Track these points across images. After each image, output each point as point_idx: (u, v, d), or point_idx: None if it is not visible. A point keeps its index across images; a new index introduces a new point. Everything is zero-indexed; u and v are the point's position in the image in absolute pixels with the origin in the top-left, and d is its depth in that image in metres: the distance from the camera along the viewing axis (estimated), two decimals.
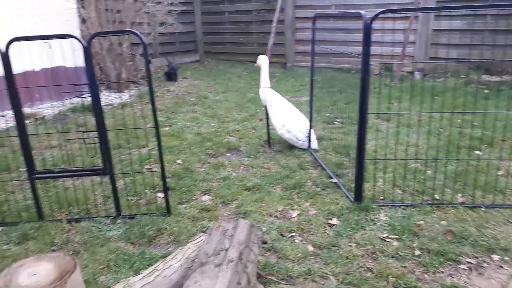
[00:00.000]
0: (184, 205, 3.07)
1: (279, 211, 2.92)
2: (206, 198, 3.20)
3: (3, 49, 2.58)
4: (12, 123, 5.46)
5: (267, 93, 4.04)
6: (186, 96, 6.88)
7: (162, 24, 7.53)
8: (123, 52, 7.06)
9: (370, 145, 3.99)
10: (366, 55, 2.69)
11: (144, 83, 7.43)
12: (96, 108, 2.70)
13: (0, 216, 2.99)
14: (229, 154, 4.15)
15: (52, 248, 2.60)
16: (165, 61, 8.50)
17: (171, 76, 8.01)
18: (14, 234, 2.75)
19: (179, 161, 3.92)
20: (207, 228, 2.66)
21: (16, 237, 2.72)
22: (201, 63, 10.62)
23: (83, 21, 6.78)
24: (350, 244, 2.51)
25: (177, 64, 8.44)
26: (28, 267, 1.81)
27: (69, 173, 2.90)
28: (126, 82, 7.20)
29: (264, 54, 8.59)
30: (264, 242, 2.23)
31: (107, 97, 6.76)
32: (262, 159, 3.92)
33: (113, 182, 2.85)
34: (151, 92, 2.74)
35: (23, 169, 3.93)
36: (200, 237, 2.22)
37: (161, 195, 3.25)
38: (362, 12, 2.73)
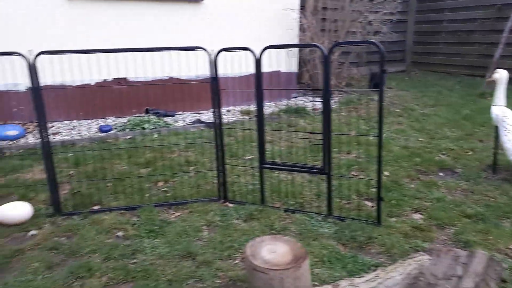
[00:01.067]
0: (394, 219, 3.01)
1: (511, 248, 2.56)
2: (417, 216, 3.06)
3: (257, 55, 3.04)
4: (236, 117, 6.40)
5: (502, 112, 3.57)
6: (390, 107, 6.70)
7: (376, 33, 7.53)
8: (333, 60, 7.37)
9: None
10: None
11: (347, 90, 7.60)
12: (325, 112, 2.90)
13: (231, 194, 3.54)
14: (442, 174, 3.86)
15: (272, 231, 2.94)
16: (369, 70, 8.47)
17: (377, 85, 7.93)
18: (242, 212, 3.22)
19: (386, 173, 3.86)
20: (422, 248, 2.54)
21: (244, 215, 3.18)
22: (407, 73, 10.16)
23: (301, 29, 7.37)
24: None
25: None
26: (267, 244, 2.09)
27: (293, 168, 3.20)
28: (336, 89, 7.48)
29: (487, 67, 7.65)
30: (503, 280, 1.99)
31: (313, 103, 7.19)
32: (485, 185, 3.50)
33: (329, 182, 3.02)
34: (381, 101, 2.77)
35: (248, 157, 4.58)
36: (420, 255, 2.14)
37: (369, 203, 3.27)
38: None
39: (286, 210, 3.21)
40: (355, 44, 6.83)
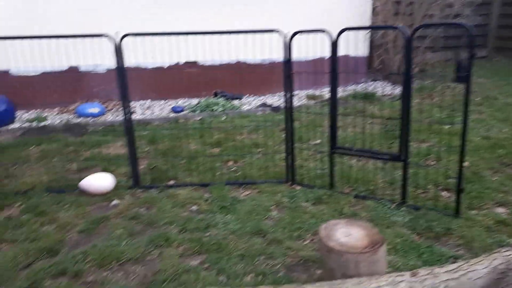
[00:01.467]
0: (474, 211, 2.84)
1: None
2: (501, 210, 2.86)
3: (334, 38, 2.98)
4: (302, 102, 6.36)
5: None
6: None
7: (456, 16, 7.02)
8: None
9: None
10: None
11: (420, 77, 7.20)
12: (405, 97, 2.78)
13: (299, 177, 3.55)
14: None
15: (341, 216, 2.91)
16: (454, 55, 7.94)
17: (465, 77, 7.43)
18: (310, 196, 3.22)
19: (466, 164, 3.63)
20: (508, 243, 2.38)
21: (312, 198, 3.18)
22: (488, 59, 9.40)
23: (373, 13, 7.07)
24: None
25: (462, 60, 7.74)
26: (342, 227, 2.08)
27: (366, 154, 3.13)
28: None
29: None
30: None
31: (383, 88, 6.92)
32: None
33: (405, 170, 2.91)
34: (468, 89, 2.59)
35: (314, 142, 4.55)
36: (508, 250, 2.00)
37: (446, 193, 3.11)
38: None
39: (356, 196, 3.15)
40: (440, 27, 6.42)
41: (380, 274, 1.87)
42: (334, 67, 3.01)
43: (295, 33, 3.09)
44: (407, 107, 2.78)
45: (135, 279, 2.30)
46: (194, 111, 5.86)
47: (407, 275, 1.82)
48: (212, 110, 5.84)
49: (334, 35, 2.97)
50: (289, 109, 3.30)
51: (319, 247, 2.09)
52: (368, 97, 6.15)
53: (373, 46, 7.39)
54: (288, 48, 3.14)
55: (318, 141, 4.54)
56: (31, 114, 5.73)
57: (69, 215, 3.00)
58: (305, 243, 2.62)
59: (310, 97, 6.62)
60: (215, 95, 6.47)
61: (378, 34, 7.06)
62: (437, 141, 4.23)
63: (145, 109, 6.04)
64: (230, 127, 5.07)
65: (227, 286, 2.22)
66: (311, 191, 3.29)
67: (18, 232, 2.79)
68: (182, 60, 6.38)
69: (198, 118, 5.62)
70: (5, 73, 5.72)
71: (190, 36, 5.48)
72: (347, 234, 2.02)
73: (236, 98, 6.44)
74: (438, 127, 4.61)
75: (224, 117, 5.64)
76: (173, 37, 5.28)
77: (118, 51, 3.13)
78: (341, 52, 3.06)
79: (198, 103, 6.05)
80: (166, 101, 6.43)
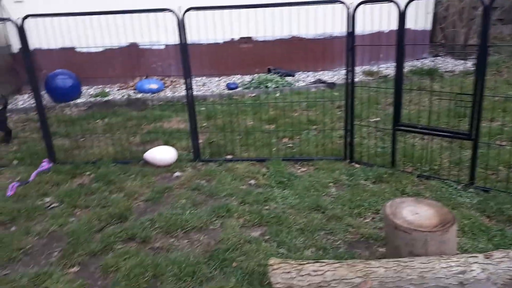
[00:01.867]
0: None
1: None
2: None
3: (402, 8, 2.83)
4: (358, 78, 6.16)
5: None
6: None
7: None
8: (475, 16, 6.52)
9: None
10: None
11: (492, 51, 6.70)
12: (479, 71, 2.60)
13: (357, 155, 3.48)
14: None
15: (403, 196, 2.82)
16: None
17: None
18: (370, 174, 3.15)
19: None
20: None
21: (372, 176, 3.11)
22: None
23: None
24: None
25: None
26: (408, 205, 2.02)
27: (433, 132, 2.99)
28: (471, 49, 6.68)
29: None
30: None
31: (448, 64, 6.53)
32: None
33: (475, 149, 2.76)
34: None
35: (373, 119, 4.42)
36: None
37: None
38: None
39: (419, 176, 3.04)
40: None
41: (450, 255, 1.81)
42: (400, 40, 2.87)
43: (360, 3, 2.97)
44: (481, 83, 2.60)
45: (199, 247, 2.39)
46: (248, 87, 5.89)
47: (480, 256, 1.74)
48: (266, 86, 5.83)
49: (402, 5, 2.82)
50: (350, 84, 3.21)
51: (384, 225, 2.05)
52: (431, 73, 5.84)
53: (436, 19, 6.96)
54: (352, 19, 3.03)
55: (376, 118, 4.41)
56: (95, 89, 6.04)
57: (135, 184, 3.17)
58: (365, 221, 2.59)
59: (367, 73, 6.41)
60: (269, 71, 6.44)
61: (442, 6, 6.63)
62: (510, 120, 3.96)
63: (200, 86, 6.16)
64: (284, 104, 5.04)
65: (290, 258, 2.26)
66: (371, 169, 3.22)
67: (90, 199, 2.99)
68: (237, 36, 6.38)
69: (252, 95, 5.64)
70: (72, 50, 6.04)
71: (245, 11, 5.45)
72: (414, 212, 1.96)
73: (290, 75, 6.38)
74: (510, 105, 4.30)
75: (278, 94, 5.61)
76: (228, 12, 5.28)
77: (181, 26, 3.18)
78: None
79: (252, 80, 6.06)
80: (221, 78, 6.50)
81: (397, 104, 3.02)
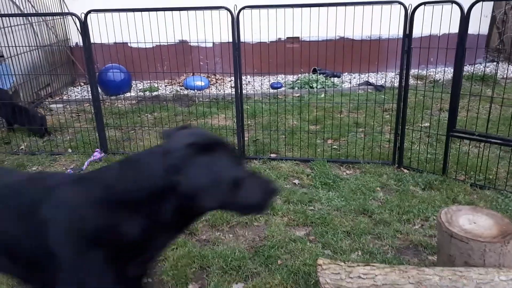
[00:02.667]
0: None
1: None
2: None
3: (465, 11, 2.72)
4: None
5: None
6: None
7: None
8: None
9: None
10: None
11: None
12: None
13: (407, 161, 3.38)
14: None
15: (455, 204, 2.72)
16: None
17: None
18: (420, 180, 3.05)
19: None
20: None
21: (422, 183, 3.02)
22: None
23: None
24: None
25: None
26: (465, 214, 1.94)
27: (490, 139, 2.85)
28: None
29: None
30: None
31: (505, 70, 6.20)
32: None
33: None
34: None
35: (422, 125, 4.28)
36: None
37: None
38: None
39: (472, 185, 2.92)
40: None
41: (510, 268, 1.73)
42: (461, 42, 2.76)
43: (419, 5, 2.88)
44: None
45: (245, 242, 2.42)
46: (292, 87, 5.87)
47: None
48: (311, 87, 5.79)
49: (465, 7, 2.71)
50: (403, 87, 3.13)
51: (437, 232, 1.99)
52: (486, 79, 5.57)
53: (493, 23, 6.63)
54: (410, 20, 2.94)
55: (426, 124, 4.26)
56: (145, 84, 6.24)
57: None
58: (414, 227, 2.51)
59: (416, 77, 6.21)
60: (314, 72, 6.39)
61: (501, 10, 6.31)
62: None
63: (245, 84, 6.21)
64: (329, 105, 4.98)
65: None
66: (421, 175, 3.12)
67: None
68: (284, 36, 6.38)
69: (297, 95, 5.61)
70: (125, 45, 6.26)
71: (293, 11, 5.44)
72: (471, 221, 1.88)
73: (336, 76, 6.29)
74: None
75: (323, 95, 5.56)
76: (278, 12, 5.28)
77: (235, 24, 3.23)
78: (455, 29, 2.79)
79: (296, 80, 6.04)
80: (265, 76, 6.52)
81: (453, 109, 2.91)
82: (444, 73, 6.32)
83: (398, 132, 3.28)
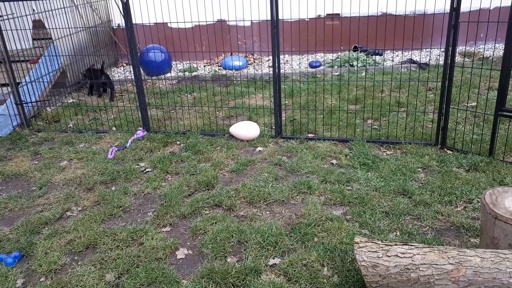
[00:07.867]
0: None
1: None
2: None
3: None
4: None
5: None
6: None
7: None
8: None
9: None
10: None
11: None
12: None
13: (451, 141, 3.26)
14: None
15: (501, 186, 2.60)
16: None
17: None
18: (464, 161, 2.94)
19: None
20: None
21: (466, 164, 2.91)
22: None
23: None
24: None
25: None
26: None
27: None
28: None
29: None
30: None
31: None
32: None
33: None
34: None
35: (469, 104, 4.08)
36: None
37: None
38: None
39: None
40: None
41: None
42: None
43: None
44: None
45: (281, 219, 2.45)
46: (332, 66, 5.76)
47: None
48: (351, 65, 5.65)
49: None
50: (449, 65, 2.99)
51: (481, 214, 1.92)
52: None
53: None
54: None
55: (473, 103, 4.07)
56: (184, 64, 6.33)
57: (221, 156, 3.31)
58: (457, 209, 2.44)
59: (463, 55, 5.90)
60: (355, 49, 6.21)
61: None
62: None
63: (283, 63, 6.15)
64: (370, 84, 4.85)
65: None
66: (465, 156, 3.00)
67: (180, 166, 3.19)
68: (324, 12, 6.23)
69: (336, 74, 5.50)
70: (165, 25, 6.36)
71: None
72: None
73: (378, 53, 6.09)
74: None
75: (364, 73, 5.41)
76: None
77: (273, 2, 3.19)
78: (509, 1, 2.60)
79: (336, 58, 5.91)
80: (303, 55, 6.43)
81: (503, 87, 2.75)
82: (494, 49, 5.97)
83: (442, 112, 3.16)
